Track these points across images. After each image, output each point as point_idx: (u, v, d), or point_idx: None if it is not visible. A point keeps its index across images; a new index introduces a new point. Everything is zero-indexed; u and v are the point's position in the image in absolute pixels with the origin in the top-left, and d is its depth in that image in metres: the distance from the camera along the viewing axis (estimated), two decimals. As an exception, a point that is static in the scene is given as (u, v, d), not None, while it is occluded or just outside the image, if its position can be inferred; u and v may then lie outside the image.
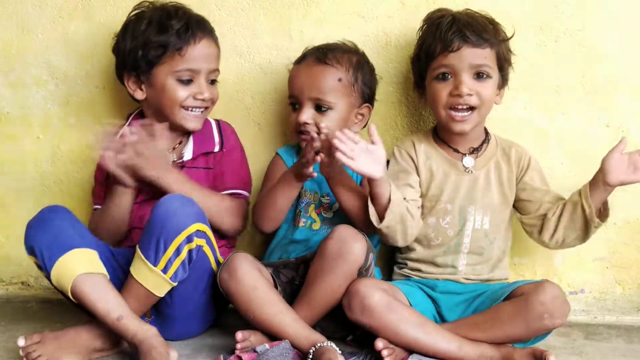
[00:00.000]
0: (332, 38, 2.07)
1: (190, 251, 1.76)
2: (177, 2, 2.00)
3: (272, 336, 1.79)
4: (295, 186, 1.91)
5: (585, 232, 1.89)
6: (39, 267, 1.75)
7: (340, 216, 1.97)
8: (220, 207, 1.94)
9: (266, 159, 2.11)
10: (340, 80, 1.94)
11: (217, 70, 2.00)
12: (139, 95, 1.98)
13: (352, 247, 1.77)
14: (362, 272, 1.80)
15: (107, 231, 1.96)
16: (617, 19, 2.08)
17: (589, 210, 1.85)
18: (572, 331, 2.02)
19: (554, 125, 2.11)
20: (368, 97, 2.00)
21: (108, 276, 1.77)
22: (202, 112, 1.98)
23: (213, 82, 2.00)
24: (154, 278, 1.75)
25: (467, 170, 1.95)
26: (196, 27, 1.94)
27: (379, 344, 1.74)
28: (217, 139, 2.03)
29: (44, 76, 2.21)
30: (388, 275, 2.05)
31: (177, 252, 1.74)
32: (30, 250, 1.75)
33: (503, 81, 1.94)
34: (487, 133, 1.99)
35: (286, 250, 1.98)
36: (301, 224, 1.99)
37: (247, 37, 2.15)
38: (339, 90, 1.94)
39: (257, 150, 2.16)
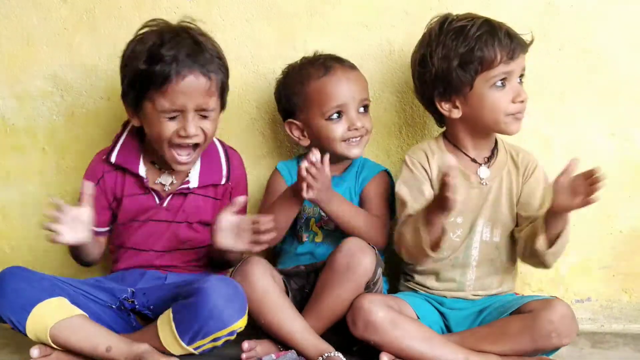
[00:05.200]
0: (336, 48, 2.07)
1: (227, 340, 1.73)
2: (183, 24, 1.93)
3: (281, 342, 1.79)
4: (294, 203, 1.89)
5: (538, 257, 1.80)
6: (18, 332, 1.75)
7: (341, 228, 1.98)
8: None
9: (270, 169, 2.12)
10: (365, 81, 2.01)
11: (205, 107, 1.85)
12: (136, 122, 1.93)
13: (361, 260, 1.77)
14: (370, 286, 1.80)
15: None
16: (621, 26, 2.08)
17: (538, 238, 1.76)
18: (578, 340, 2.00)
19: (558, 133, 2.12)
20: None
21: (85, 314, 1.77)
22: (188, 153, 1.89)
23: (204, 116, 1.87)
24: (180, 350, 1.73)
25: (482, 182, 1.91)
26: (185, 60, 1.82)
27: (384, 358, 1.74)
28: (224, 170, 1.98)
29: (49, 88, 2.21)
30: (394, 286, 2.05)
31: (215, 340, 1.71)
32: (0, 319, 1.76)
33: None
34: (495, 140, 1.96)
35: (292, 264, 1.97)
36: (304, 238, 2.00)
37: (251, 47, 2.15)
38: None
39: (261, 161, 2.17)
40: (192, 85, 1.82)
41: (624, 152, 2.10)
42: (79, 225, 1.77)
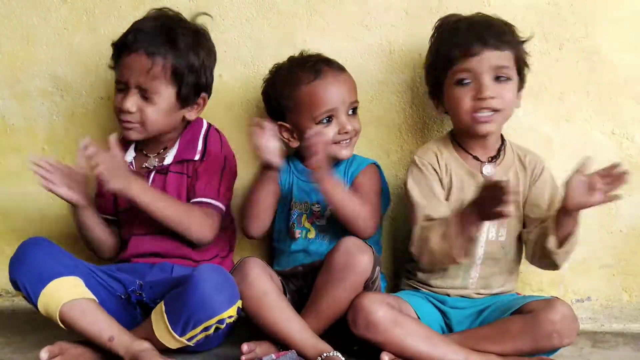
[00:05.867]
0: (335, 48, 2.08)
1: (218, 328, 1.74)
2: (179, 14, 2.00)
3: (280, 343, 1.79)
4: (266, 176, 1.90)
5: (549, 258, 1.81)
6: (27, 300, 1.77)
7: (333, 222, 1.97)
8: (187, 217, 1.91)
9: (270, 168, 2.12)
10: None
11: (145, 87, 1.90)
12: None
13: (358, 259, 1.76)
14: (368, 285, 1.80)
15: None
16: (620, 26, 2.08)
17: (549, 238, 1.77)
18: (579, 339, 1.99)
19: (558, 132, 2.11)
20: None
21: (96, 299, 1.78)
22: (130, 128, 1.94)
23: (146, 98, 1.92)
24: (174, 342, 1.74)
25: None
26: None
27: (385, 357, 1.73)
28: (200, 147, 1.99)
29: (49, 88, 2.22)
30: (395, 285, 2.05)
31: (206, 329, 1.72)
32: (15, 285, 1.77)
33: (521, 83, 1.91)
34: (502, 140, 1.95)
35: (288, 261, 1.99)
36: (297, 235, 2.00)
37: (252, 47, 2.16)
38: None
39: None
40: (133, 62, 1.90)
41: (624, 151, 2.10)
42: (72, 183, 1.87)
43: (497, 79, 1.84)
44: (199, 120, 2.03)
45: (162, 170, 1.99)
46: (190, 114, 1.98)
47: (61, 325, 1.75)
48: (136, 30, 1.92)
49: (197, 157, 1.98)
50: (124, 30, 2.00)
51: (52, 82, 2.21)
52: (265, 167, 1.89)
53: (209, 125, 2.04)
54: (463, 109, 1.85)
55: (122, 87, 1.93)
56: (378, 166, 2.05)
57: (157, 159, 2.00)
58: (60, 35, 2.19)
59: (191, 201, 1.95)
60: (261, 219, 1.96)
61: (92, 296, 1.78)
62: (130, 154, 2.02)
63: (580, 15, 2.08)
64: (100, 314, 1.76)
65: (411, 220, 1.89)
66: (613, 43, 2.08)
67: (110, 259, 2.04)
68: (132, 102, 1.91)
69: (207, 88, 2.00)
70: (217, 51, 2.13)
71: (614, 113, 2.10)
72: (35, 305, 1.75)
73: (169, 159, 1.99)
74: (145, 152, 2.02)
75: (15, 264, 1.77)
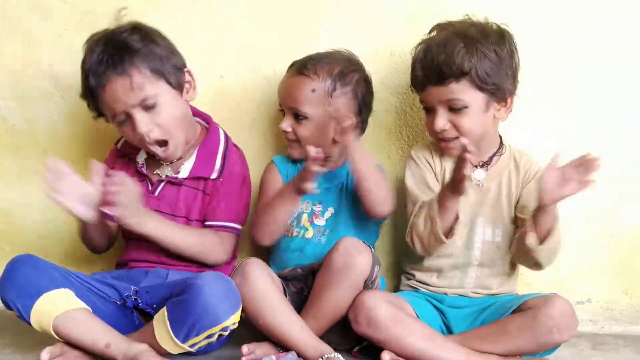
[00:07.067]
0: (336, 49, 2.07)
1: (221, 335, 1.74)
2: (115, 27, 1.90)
3: (280, 344, 1.79)
4: (295, 200, 1.91)
5: (530, 255, 1.81)
6: (21, 319, 1.76)
7: (331, 223, 1.98)
8: (203, 245, 1.91)
9: (271, 169, 2.12)
10: (314, 91, 1.95)
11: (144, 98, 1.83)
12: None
13: (357, 259, 1.77)
14: (367, 285, 1.80)
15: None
16: (621, 26, 2.08)
17: (528, 235, 1.78)
18: (579, 341, 2.01)
19: (558, 133, 2.11)
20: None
21: (89, 309, 1.78)
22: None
23: (150, 107, 1.85)
24: (176, 348, 1.74)
25: (477, 184, 1.93)
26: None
27: (386, 356, 1.73)
28: (217, 165, 1.96)
29: (50, 89, 2.21)
30: (395, 286, 2.05)
31: (209, 337, 1.72)
32: (7, 305, 1.76)
33: (500, 94, 1.85)
34: (501, 144, 1.97)
35: (282, 260, 1.99)
36: (294, 233, 2.00)
37: (252, 48, 2.15)
38: (313, 100, 1.95)
39: (262, 162, 2.16)
40: (114, 89, 1.82)
41: (624, 152, 2.10)
42: (84, 198, 1.80)
43: (452, 109, 1.86)
44: (216, 132, 2.00)
45: (175, 182, 1.97)
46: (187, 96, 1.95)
47: (57, 338, 1.75)
48: (91, 65, 1.84)
49: (214, 176, 1.95)
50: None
51: (52, 84, 2.21)
52: (299, 192, 1.87)
53: (227, 140, 2.01)
54: (430, 132, 1.92)
55: (121, 120, 1.89)
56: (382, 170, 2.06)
57: (171, 169, 1.97)
58: (61, 36, 2.19)
59: (209, 223, 1.94)
60: (277, 233, 1.96)
61: (85, 306, 1.78)
62: (142, 156, 2.00)
63: (580, 17, 2.08)
64: (94, 322, 1.76)
65: (408, 212, 1.93)
66: (613, 45, 2.08)
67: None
68: (144, 124, 1.85)
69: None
70: (218, 51, 2.14)
71: (614, 115, 2.10)
72: (29, 323, 1.75)
73: (184, 172, 1.96)
74: (158, 158, 1.98)
75: (3, 284, 1.75)
